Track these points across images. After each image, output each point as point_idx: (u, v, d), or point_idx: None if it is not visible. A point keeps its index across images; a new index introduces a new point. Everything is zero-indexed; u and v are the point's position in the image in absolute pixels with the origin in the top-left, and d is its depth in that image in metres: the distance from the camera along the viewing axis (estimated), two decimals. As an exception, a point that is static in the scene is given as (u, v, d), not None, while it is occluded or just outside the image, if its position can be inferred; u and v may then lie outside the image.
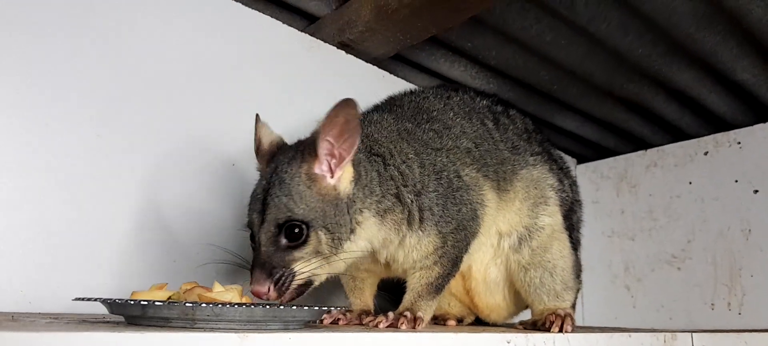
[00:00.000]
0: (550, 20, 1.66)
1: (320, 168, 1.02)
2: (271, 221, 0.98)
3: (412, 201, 1.10)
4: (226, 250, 1.27)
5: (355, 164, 1.06)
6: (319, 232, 0.99)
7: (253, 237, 1.04)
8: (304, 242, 0.99)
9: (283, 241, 0.98)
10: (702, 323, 2.11)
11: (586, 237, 2.46)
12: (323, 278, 1.05)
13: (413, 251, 1.13)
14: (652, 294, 2.28)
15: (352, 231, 1.04)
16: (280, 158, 1.05)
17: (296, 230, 0.98)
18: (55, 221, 1.18)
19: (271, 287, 0.96)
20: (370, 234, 1.07)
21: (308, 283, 1.02)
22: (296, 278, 0.98)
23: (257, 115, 1.13)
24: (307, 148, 1.03)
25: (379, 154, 1.12)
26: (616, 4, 1.58)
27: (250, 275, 0.99)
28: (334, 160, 1.02)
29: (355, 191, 1.04)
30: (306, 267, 0.99)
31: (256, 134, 1.12)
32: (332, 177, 1.02)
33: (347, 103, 0.98)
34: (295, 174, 1.01)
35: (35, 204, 1.16)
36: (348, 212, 1.03)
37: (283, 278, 0.97)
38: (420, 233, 1.12)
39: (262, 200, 1.01)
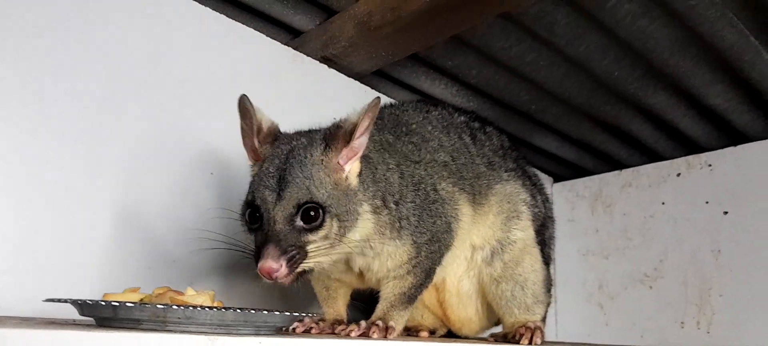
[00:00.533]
0: (530, 42, 1.70)
1: (338, 158, 1.05)
2: (291, 200, 0.99)
3: (393, 209, 1.13)
4: (229, 239, 1.19)
5: (361, 160, 1.10)
6: (333, 220, 1.02)
7: (256, 218, 1.02)
8: (319, 226, 1.00)
9: (299, 222, 0.99)
10: (672, 341, 2.14)
11: (561, 255, 2.52)
12: (324, 265, 1.07)
13: (389, 259, 1.15)
14: (624, 312, 2.32)
15: (355, 222, 1.06)
16: (298, 142, 1.06)
17: (312, 213, 0.99)
18: (30, 227, 1.18)
19: (284, 264, 0.95)
20: (366, 227, 1.09)
21: (307, 269, 1.03)
22: (306, 259, 0.99)
23: (246, 96, 1.10)
24: (331, 138, 1.05)
25: (370, 158, 1.15)
26: (595, 27, 1.62)
27: (257, 254, 0.97)
28: (350, 153, 1.06)
29: (358, 184, 1.08)
30: (317, 251, 1.00)
31: (254, 116, 1.09)
32: (346, 169, 1.06)
33: (376, 104, 1.04)
34: (316, 160, 1.03)
35: (8, 208, 1.16)
36: (354, 202, 1.06)
37: (297, 258, 0.97)
38: (397, 242, 1.14)
39: (277, 178, 1.01)
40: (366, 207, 1.08)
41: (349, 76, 1.84)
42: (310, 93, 1.73)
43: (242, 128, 1.10)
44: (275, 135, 1.10)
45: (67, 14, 1.28)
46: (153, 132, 1.38)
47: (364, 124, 1.04)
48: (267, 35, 1.66)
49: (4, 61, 1.18)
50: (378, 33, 1.59)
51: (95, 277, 1.24)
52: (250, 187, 1.08)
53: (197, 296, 0.85)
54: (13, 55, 1.19)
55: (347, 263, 1.17)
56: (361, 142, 1.06)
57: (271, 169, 1.03)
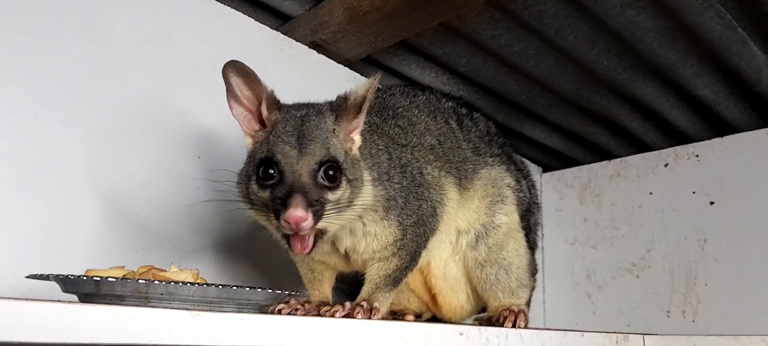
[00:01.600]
0: (519, 31, 1.70)
1: (347, 129, 1.08)
2: (315, 155, 1.00)
3: (385, 185, 1.14)
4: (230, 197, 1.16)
5: (362, 133, 1.13)
6: (348, 182, 1.04)
7: (270, 175, 1.01)
8: (338, 186, 1.02)
9: (322, 179, 1.01)
10: (658, 329, 2.16)
11: (549, 244, 2.54)
12: (336, 228, 1.08)
13: (374, 240, 1.16)
14: (611, 301, 2.34)
15: (361, 189, 1.08)
16: (309, 110, 1.08)
17: (331, 173, 1.01)
18: (13, 206, 1.17)
19: (311, 216, 0.95)
20: (367, 197, 1.10)
21: (323, 231, 1.04)
22: (324, 218, 1.00)
23: (236, 61, 1.06)
24: (340, 109, 1.07)
25: (364, 136, 1.17)
26: (584, 17, 1.63)
27: (279, 205, 0.96)
28: (356, 125, 1.09)
29: (360, 156, 1.11)
30: (332, 210, 1.01)
31: (260, 81, 1.06)
32: (351, 139, 1.09)
33: (376, 82, 1.07)
34: (329, 128, 1.06)
35: (-3, 187, 1.15)
36: (360, 171, 1.09)
37: (319, 210, 0.98)
38: (384, 222, 1.15)
39: (296, 136, 1.02)
40: (367, 176, 1.11)
41: (338, 62, 1.84)
42: (299, 79, 1.72)
43: (236, 96, 1.07)
44: (278, 103, 1.10)
45: (65, 4, 1.27)
46: (140, 113, 1.38)
47: (369, 102, 1.07)
48: (256, 20, 1.65)
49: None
50: (367, 19, 1.59)
51: (81, 258, 1.24)
52: (255, 151, 1.07)
53: (180, 273, 0.86)
54: (4, 44, 1.18)
55: (333, 244, 1.17)
56: (363, 116, 1.09)
57: (288, 129, 1.03)
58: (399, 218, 1.16)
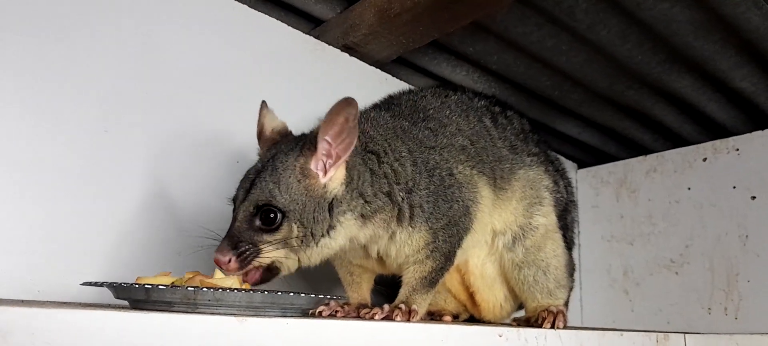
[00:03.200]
0: (550, 27, 1.69)
1: (316, 165, 1.06)
2: (252, 201, 1.03)
3: (402, 199, 1.13)
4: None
5: (349, 167, 1.08)
6: (293, 224, 1.03)
7: (233, 211, 1.08)
8: (276, 229, 1.02)
9: (257, 222, 1.02)
10: (699, 327, 2.13)
11: (585, 241, 2.51)
12: (293, 269, 1.09)
13: (405, 246, 1.17)
14: (650, 298, 2.30)
15: (332, 228, 1.07)
16: (281, 147, 1.10)
17: (271, 216, 1.02)
18: (63, 214, 1.21)
19: (233, 259, 0.99)
20: (350, 233, 1.10)
21: (274, 270, 1.06)
22: (259, 256, 1.02)
23: (264, 101, 1.19)
24: (306, 144, 1.06)
25: (374, 151, 1.15)
26: (616, 11, 1.61)
27: None
28: (329, 160, 1.05)
29: (344, 193, 1.07)
30: (271, 252, 1.03)
31: (259, 119, 1.17)
32: (325, 176, 1.06)
33: (348, 103, 1.01)
34: (289, 166, 1.05)
35: (43, 197, 1.20)
36: (330, 211, 1.06)
37: (247, 253, 1.00)
38: (410, 229, 1.15)
39: (251, 180, 1.06)
40: (350, 216, 1.08)
41: (370, 63, 1.85)
42: (331, 82, 1.74)
43: None
44: (276, 138, 1.15)
45: (103, 12, 1.31)
46: (179, 122, 1.42)
47: (330, 129, 1.03)
48: (288, 24, 1.67)
49: (42, 60, 1.22)
50: (398, 20, 1.60)
51: (127, 264, 1.28)
52: None
53: (226, 280, 0.88)
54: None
55: (365, 249, 1.19)
56: (342, 146, 1.04)
57: (251, 171, 1.09)
58: (428, 223, 1.15)
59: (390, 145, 1.17)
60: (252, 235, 1.02)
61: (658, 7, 1.58)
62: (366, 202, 1.10)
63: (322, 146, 1.04)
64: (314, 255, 1.08)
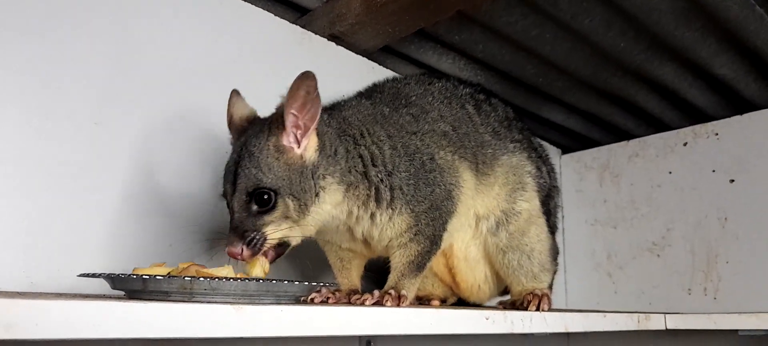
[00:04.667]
0: (535, 16, 1.71)
1: (287, 139, 1.09)
2: (242, 190, 1.07)
3: (381, 179, 1.17)
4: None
5: (320, 134, 1.13)
6: (287, 199, 1.07)
7: (228, 206, 1.11)
8: (273, 208, 1.06)
9: (254, 207, 1.06)
10: (680, 308, 2.18)
11: (569, 226, 2.56)
12: (298, 239, 1.14)
13: (386, 228, 1.20)
14: (633, 281, 2.36)
15: (317, 195, 1.11)
16: (250, 132, 1.12)
17: (265, 197, 1.06)
18: (56, 207, 1.22)
19: (244, 248, 1.03)
20: (334, 199, 1.14)
21: (285, 244, 1.11)
22: (268, 239, 1.06)
23: (234, 90, 1.20)
24: (274, 122, 1.10)
25: (349, 134, 1.19)
26: (599, 1, 1.63)
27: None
28: (299, 132, 1.09)
29: (319, 159, 1.12)
30: (276, 231, 1.07)
31: (228, 109, 1.19)
32: (299, 147, 1.10)
33: (306, 76, 1.07)
34: (263, 147, 1.08)
35: (36, 190, 1.20)
36: (312, 177, 1.11)
37: (255, 240, 1.05)
38: (390, 210, 1.18)
39: (233, 171, 1.09)
40: (330, 179, 1.13)
41: (356, 53, 1.87)
42: (318, 71, 1.72)
43: None
44: (245, 125, 1.17)
45: (89, 4, 1.31)
46: (168, 114, 1.42)
47: (294, 103, 1.07)
48: (274, 14, 1.68)
49: (16, 46, 1.21)
50: (384, 10, 1.61)
51: (120, 255, 1.29)
52: None
53: (220, 270, 0.90)
54: (23, 40, 1.22)
55: (351, 232, 1.22)
56: (309, 116, 1.08)
57: (230, 163, 1.12)
58: (409, 206, 1.19)
59: (368, 129, 1.21)
60: (254, 221, 1.06)
61: (640, -4, 1.61)
62: (341, 170, 1.15)
63: (289, 120, 1.08)
64: (309, 224, 1.12)
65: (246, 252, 1.03)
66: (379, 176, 1.17)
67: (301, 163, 1.09)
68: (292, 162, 1.09)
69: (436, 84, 1.43)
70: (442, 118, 1.33)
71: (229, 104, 1.20)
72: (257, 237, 1.05)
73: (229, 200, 1.09)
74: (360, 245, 1.28)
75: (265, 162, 1.07)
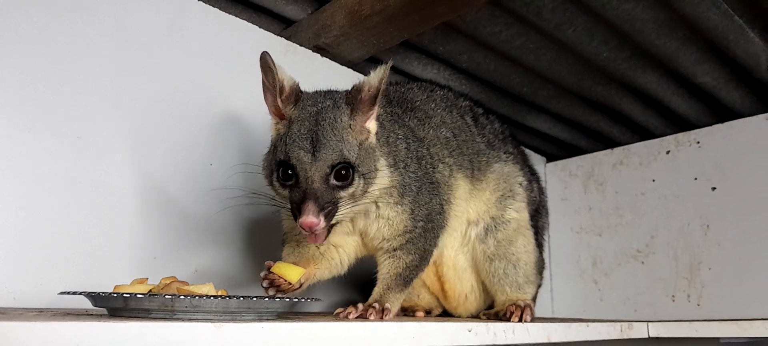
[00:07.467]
0: (519, 26, 1.73)
1: (362, 119, 1.11)
2: (326, 161, 1.05)
3: (402, 173, 1.19)
4: (259, 194, 1.23)
5: (378, 118, 1.16)
6: (360, 177, 1.09)
7: (289, 176, 1.08)
8: (350, 183, 1.08)
9: (333, 181, 1.06)
10: (663, 314, 2.21)
11: (555, 233, 2.58)
12: (348, 218, 1.16)
13: (386, 225, 1.21)
14: (618, 288, 2.38)
15: (375, 178, 1.13)
16: (325, 105, 1.11)
17: (343, 172, 1.07)
18: (38, 221, 1.22)
19: (322, 218, 1.03)
20: (382, 183, 1.15)
21: (335, 223, 1.11)
22: (338, 213, 1.07)
23: (267, 53, 1.12)
24: (354, 102, 1.10)
25: (383, 124, 1.21)
26: (582, 11, 1.66)
27: (296, 209, 1.05)
28: (370, 114, 1.12)
29: (377, 143, 1.15)
30: (346, 205, 1.08)
31: (276, 75, 1.11)
32: (367, 128, 1.13)
33: (387, 68, 1.09)
34: (345, 124, 1.09)
35: (19, 204, 1.20)
36: (374, 159, 1.13)
37: (330, 211, 1.05)
38: (398, 207, 1.20)
39: (310, 140, 1.06)
40: (383, 163, 1.15)
41: (341, 63, 1.88)
42: (304, 82, 1.73)
43: (264, 83, 1.15)
44: (297, 94, 1.14)
45: (74, 19, 1.31)
46: (152, 127, 1.42)
47: (373, 88, 1.10)
48: (259, 26, 1.68)
49: (14, 68, 1.21)
50: (368, 22, 1.62)
51: (102, 270, 1.29)
52: (276, 144, 1.13)
53: (201, 287, 0.90)
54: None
55: (352, 223, 1.23)
56: (378, 105, 1.13)
57: (302, 131, 1.08)
58: (412, 206, 1.20)
59: (389, 125, 1.23)
60: (331, 193, 1.06)
61: (622, 7, 1.63)
62: (387, 152, 1.17)
63: (367, 102, 1.10)
64: (360, 205, 1.13)
65: (322, 222, 1.03)
66: (402, 168, 1.19)
67: (368, 145, 1.12)
68: (363, 142, 1.11)
69: (438, 92, 1.48)
70: (444, 124, 1.36)
71: (276, 70, 1.11)
72: (332, 210, 1.05)
73: (307, 168, 1.05)
74: (355, 239, 1.28)
75: (347, 138, 1.08)
